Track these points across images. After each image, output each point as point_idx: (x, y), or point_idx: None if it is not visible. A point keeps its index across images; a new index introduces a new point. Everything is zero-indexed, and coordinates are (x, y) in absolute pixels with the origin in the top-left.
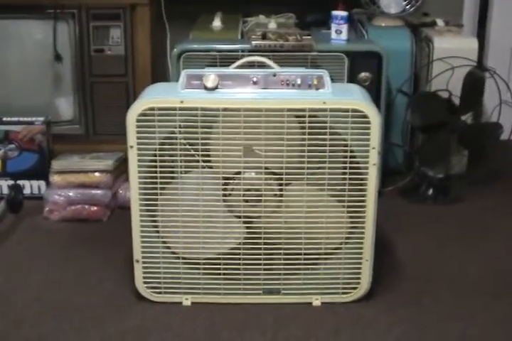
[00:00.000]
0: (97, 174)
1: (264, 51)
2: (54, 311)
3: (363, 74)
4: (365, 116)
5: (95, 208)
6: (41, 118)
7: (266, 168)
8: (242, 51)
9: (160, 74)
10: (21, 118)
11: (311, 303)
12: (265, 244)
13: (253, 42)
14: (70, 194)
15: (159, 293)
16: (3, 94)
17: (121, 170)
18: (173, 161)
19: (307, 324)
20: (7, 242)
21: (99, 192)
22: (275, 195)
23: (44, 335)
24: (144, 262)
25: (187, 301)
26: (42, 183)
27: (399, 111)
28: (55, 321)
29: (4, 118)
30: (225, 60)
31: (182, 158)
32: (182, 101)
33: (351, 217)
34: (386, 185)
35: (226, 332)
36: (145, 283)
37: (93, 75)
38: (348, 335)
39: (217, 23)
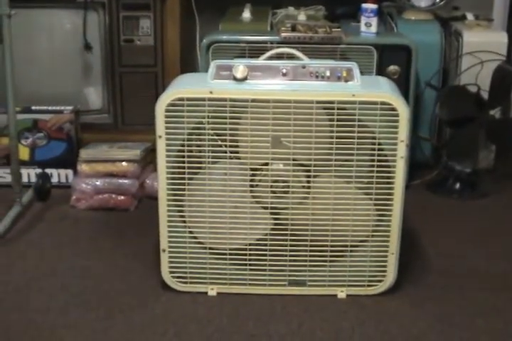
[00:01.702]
0: (124, 163)
1: (293, 43)
2: (80, 299)
3: (392, 68)
4: (393, 109)
5: (122, 197)
6: (70, 108)
7: (294, 160)
8: (271, 43)
9: (189, 65)
10: (50, 107)
11: (336, 295)
12: (292, 235)
13: (282, 34)
14: (98, 183)
15: (185, 282)
16: (33, 83)
17: (148, 160)
18: (200, 151)
19: (332, 316)
20: (34, 230)
21: (126, 181)
22: (303, 187)
23: (70, 323)
24: (170, 252)
25: (212, 291)
26: (69, 172)
27: (427, 104)
28: (81, 309)
29: (33, 107)
30: (254, 51)
31: (210, 148)
32: (211, 92)
33: (378, 210)
34: (413, 179)
35: (251, 323)
36: (171, 272)
37: (122, 65)
38: (372, 328)
39: (246, 14)
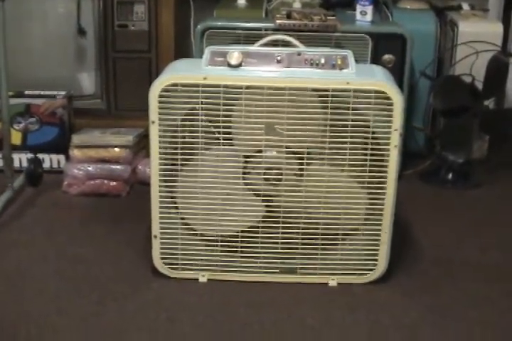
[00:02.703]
0: (117, 149)
1: (288, 30)
2: (72, 286)
3: (387, 56)
4: (388, 98)
5: (114, 183)
6: (63, 92)
7: (287, 147)
8: (266, 30)
9: (183, 52)
10: (43, 92)
11: (327, 283)
12: (284, 222)
13: (277, 21)
14: (90, 168)
15: (176, 269)
16: (26, 68)
17: (141, 145)
18: (194, 138)
19: (323, 304)
20: (26, 216)
21: (118, 167)
22: (295, 175)
23: (62, 310)
24: (161, 238)
25: (203, 278)
26: (61, 157)
27: (421, 94)
28: (72, 296)
29: (26, 92)
30: (249, 38)
31: (203, 134)
32: (205, 78)
33: (371, 199)
34: (406, 168)
35: (242, 310)
36: (162, 259)
37: (116, 50)
38: (363, 316)
39: (241, 1)
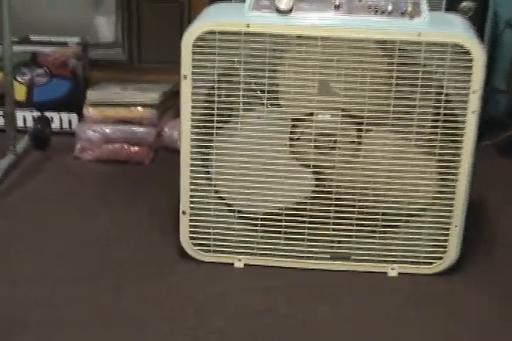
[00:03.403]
0: (140, 108)
1: None
2: (83, 267)
3: (466, 3)
4: (467, 53)
5: (136, 148)
6: (76, 39)
7: (343, 110)
8: None
9: None
10: (53, 38)
11: (386, 273)
12: (336, 199)
13: None
14: (107, 130)
15: (207, 251)
16: (34, 9)
17: (168, 105)
18: (232, 96)
19: (379, 297)
20: (31, 184)
21: (141, 129)
22: (352, 142)
23: (71, 295)
24: (191, 214)
25: (239, 263)
26: (74, 116)
27: (506, 49)
28: (84, 279)
29: (32, 37)
30: None
31: (243, 93)
32: (248, 25)
33: (442, 173)
34: (482, 139)
35: (282, 301)
36: (192, 238)
37: None
38: (428, 314)
39: None
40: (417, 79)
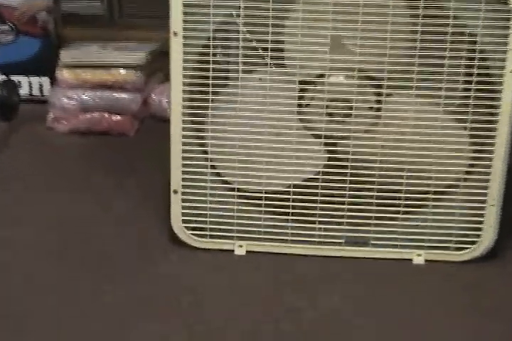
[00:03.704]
0: (122, 71)
1: None
2: (61, 256)
3: None
4: (505, 2)
5: (119, 118)
6: None
7: (360, 71)
8: None
9: None
10: None
11: (410, 260)
12: (352, 175)
13: None
14: (84, 97)
15: (203, 236)
16: None
17: (156, 66)
18: (230, 56)
19: (403, 289)
20: None
21: (124, 95)
22: (370, 109)
23: (56, 283)
24: (184, 193)
25: (241, 249)
26: (46, 81)
27: None
28: (63, 270)
29: None
30: None
31: (244, 51)
32: None
33: (475, 144)
34: None
35: (289, 292)
36: (185, 222)
37: None
38: (460, 308)
39: None
40: (446, 33)
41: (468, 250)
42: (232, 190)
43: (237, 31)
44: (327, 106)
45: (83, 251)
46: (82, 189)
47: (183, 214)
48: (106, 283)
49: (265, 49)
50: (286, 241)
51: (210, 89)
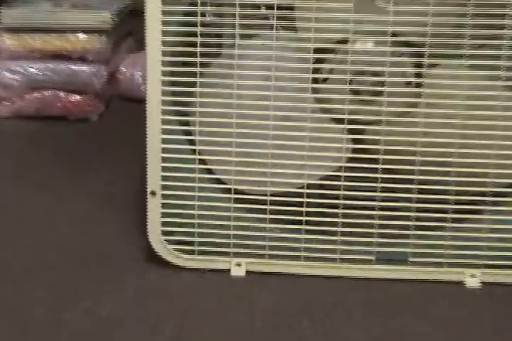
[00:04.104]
0: (82, 36)
1: None
2: (13, 274)
3: None
4: None
5: (77, 97)
6: None
7: (394, 35)
8: None
9: None
10: None
11: (462, 283)
12: (384, 172)
13: None
14: (32, 70)
15: (190, 252)
16: None
17: (126, 30)
18: (225, 16)
19: (454, 319)
20: None
21: (85, 68)
22: (408, 85)
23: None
24: (164, 196)
25: (239, 268)
26: None
27: None
28: (14, 292)
29: None
30: None
31: (242, 10)
32: None
33: None
34: None
35: (306, 323)
36: (165, 233)
37: None
38: None
39: None
40: None
41: None
42: (228, 192)
43: None
44: (351, 82)
45: (40, 270)
46: (34, 189)
47: (163, 224)
48: (69, 305)
49: (270, 7)
50: (298, 258)
51: (198, 60)
